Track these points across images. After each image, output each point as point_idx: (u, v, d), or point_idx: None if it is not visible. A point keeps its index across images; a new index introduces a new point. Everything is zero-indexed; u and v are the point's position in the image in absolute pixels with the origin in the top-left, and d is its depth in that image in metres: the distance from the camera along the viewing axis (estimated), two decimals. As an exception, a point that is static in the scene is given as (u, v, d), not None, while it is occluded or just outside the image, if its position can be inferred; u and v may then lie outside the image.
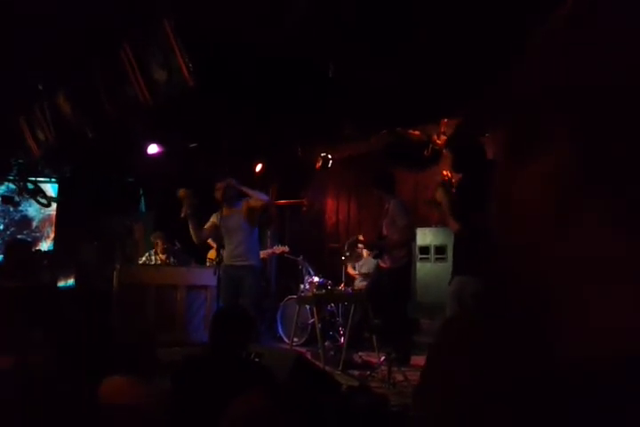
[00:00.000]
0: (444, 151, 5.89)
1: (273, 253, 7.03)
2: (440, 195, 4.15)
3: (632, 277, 0.32)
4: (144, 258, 7.19)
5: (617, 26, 0.34)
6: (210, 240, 7.25)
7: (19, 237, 8.79)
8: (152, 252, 7.18)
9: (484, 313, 0.42)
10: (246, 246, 5.44)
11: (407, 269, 5.62)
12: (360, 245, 6.25)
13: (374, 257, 5.82)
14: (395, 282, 5.39)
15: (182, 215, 5.52)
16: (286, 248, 6.89)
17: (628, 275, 0.32)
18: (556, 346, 0.34)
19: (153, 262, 7.09)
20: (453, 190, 4.16)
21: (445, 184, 4.24)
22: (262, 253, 6.21)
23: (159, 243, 7.12)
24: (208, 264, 7.15)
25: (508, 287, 0.39)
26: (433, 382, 0.44)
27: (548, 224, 0.34)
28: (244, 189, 5.48)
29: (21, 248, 6.31)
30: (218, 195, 5.48)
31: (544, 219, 0.35)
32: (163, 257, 7.11)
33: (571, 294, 0.33)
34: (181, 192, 5.53)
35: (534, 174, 0.35)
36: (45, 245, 9.03)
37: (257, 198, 5.41)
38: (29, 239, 8.85)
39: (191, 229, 5.54)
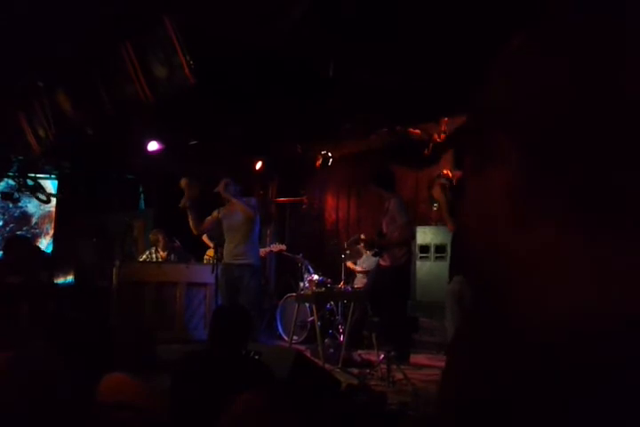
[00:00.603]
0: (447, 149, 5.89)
1: (270, 251, 7.03)
2: (437, 193, 4.14)
3: (571, 268, 0.36)
4: (145, 255, 7.17)
5: (554, 62, 0.38)
6: (206, 239, 7.24)
7: (18, 233, 8.79)
8: (153, 249, 7.15)
9: (476, 313, 0.45)
10: (246, 245, 5.43)
11: (407, 267, 5.62)
12: (361, 244, 6.25)
13: (374, 255, 5.82)
14: (394, 280, 5.39)
15: (181, 206, 5.51)
16: (284, 246, 6.89)
17: (568, 266, 0.36)
18: (519, 330, 0.38)
19: (154, 259, 7.07)
20: (450, 188, 4.16)
21: (441, 180, 4.23)
22: (260, 251, 6.22)
23: (160, 240, 7.09)
24: (205, 262, 7.15)
25: (478, 284, 0.44)
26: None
27: (505, 226, 0.39)
28: (233, 198, 5.42)
29: (21, 244, 6.31)
30: (221, 192, 5.49)
31: (500, 223, 0.39)
32: (164, 254, 7.09)
33: (525, 284, 0.38)
34: (182, 182, 5.53)
35: (490, 185, 0.40)
36: (45, 242, 9.02)
37: (242, 209, 5.37)
38: (28, 236, 8.85)
39: (190, 220, 5.53)
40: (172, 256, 7.10)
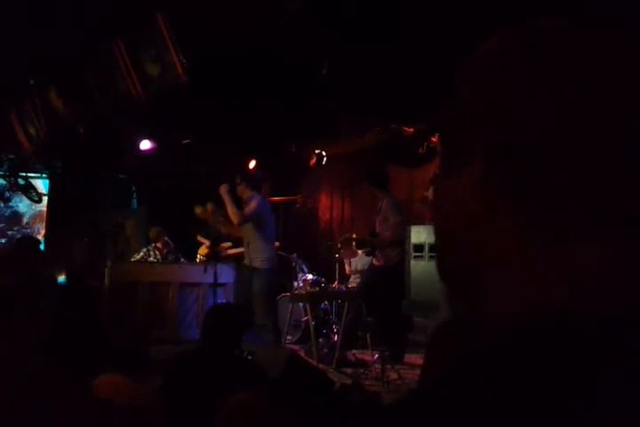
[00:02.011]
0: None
1: None
2: (432, 192, 4.14)
3: (530, 259, 0.39)
4: (142, 253, 7.08)
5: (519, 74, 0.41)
6: (201, 238, 7.21)
7: (9, 232, 8.73)
8: (151, 246, 7.07)
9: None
10: (253, 247, 5.40)
11: (400, 267, 5.61)
12: (352, 243, 6.24)
13: (367, 255, 5.81)
14: (388, 280, 5.38)
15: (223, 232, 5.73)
16: (276, 244, 6.87)
17: (527, 257, 0.39)
18: (490, 311, 0.40)
19: (152, 256, 6.98)
20: None
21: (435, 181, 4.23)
22: (240, 250, 6.25)
23: (159, 237, 7.00)
24: (198, 261, 7.11)
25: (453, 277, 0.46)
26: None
27: (474, 221, 0.42)
28: (228, 203, 5.41)
29: (27, 244, 6.25)
30: (244, 194, 5.54)
31: (470, 218, 0.42)
32: (163, 252, 7.03)
33: (491, 273, 0.41)
34: (198, 210, 5.61)
35: (461, 183, 0.42)
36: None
37: (231, 213, 5.36)
38: (19, 236, 8.78)
39: (229, 231, 5.71)
40: (170, 255, 7.04)
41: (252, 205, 5.34)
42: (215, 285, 5.66)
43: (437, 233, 0.46)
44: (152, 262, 6.85)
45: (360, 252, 6.61)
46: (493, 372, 0.35)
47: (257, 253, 5.36)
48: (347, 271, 6.85)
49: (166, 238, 7.02)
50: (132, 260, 7.07)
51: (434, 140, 6.15)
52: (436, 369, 0.42)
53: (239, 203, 5.47)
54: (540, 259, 0.38)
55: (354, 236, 5.91)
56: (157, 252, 7.01)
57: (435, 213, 0.47)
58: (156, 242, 7.01)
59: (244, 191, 5.48)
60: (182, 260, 7.03)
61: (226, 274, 6.10)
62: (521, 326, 0.36)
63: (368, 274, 5.82)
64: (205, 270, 5.69)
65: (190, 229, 7.17)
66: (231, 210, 5.27)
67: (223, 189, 5.38)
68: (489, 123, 0.41)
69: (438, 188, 0.47)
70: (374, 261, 5.55)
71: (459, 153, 0.43)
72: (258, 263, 5.32)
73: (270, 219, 5.56)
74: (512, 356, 0.35)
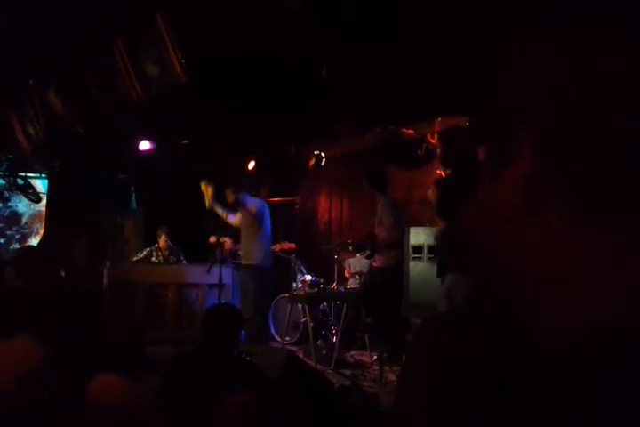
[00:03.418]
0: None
1: (281, 249, 6.99)
2: (432, 194, 4.15)
3: (588, 263, 0.36)
4: (145, 252, 7.07)
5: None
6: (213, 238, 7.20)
7: (7, 232, 8.71)
8: (154, 247, 7.06)
9: (473, 309, 0.45)
10: (249, 246, 5.47)
11: (399, 268, 5.60)
12: (350, 248, 6.24)
13: (366, 257, 5.81)
14: (386, 281, 5.38)
15: (207, 207, 5.72)
16: (293, 245, 6.90)
17: (585, 260, 0.36)
18: (535, 328, 0.37)
19: (154, 257, 6.98)
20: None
21: (439, 183, 4.24)
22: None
23: (163, 238, 7.00)
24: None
25: (489, 281, 0.44)
26: (417, 373, 0.45)
27: (521, 219, 0.40)
28: (218, 209, 5.58)
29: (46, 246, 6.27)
30: (228, 198, 5.64)
31: (516, 215, 0.40)
32: (165, 253, 7.02)
33: (539, 283, 0.38)
34: (202, 185, 5.74)
35: (508, 179, 0.41)
36: (35, 242, 8.94)
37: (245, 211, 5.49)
38: (18, 236, 8.77)
39: (222, 215, 5.67)
40: (172, 257, 7.02)
41: (253, 207, 5.51)
42: (220, 285, 5.67)
43: (475, 238, 0.44)
44: (151, 263, 6.85)
45: (358, 255, 6.61)
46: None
47: (252, 251, 5.45)
48: (347, 274, 6.84)
49: (167, 240, 7.01)
50: (135, 259, 7.06)
51: (432, 141, 6.15)
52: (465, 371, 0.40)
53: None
54: (599, 264, 0.36)
55: (349, 241, 5.94)
56: (160, 252, 7.01)
57: (479, 215, 0.45)
58: (158, 243, 7.01)
59: (236, 196, 5.66)
60: (184, 261, 7.02)
61: (226, 275, 6.10)
62: (581, 339, 0.34)
63: (367, 275, 5.82)
64: (209, 271, 5.70)
65: (201, 232, 7.12)
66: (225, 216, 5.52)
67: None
68: (540, 112, 0.39)
69: (481, 190, 0.45)
70: (373, 263, 5.55)
71: (507, 148, 0.41)
72: (252, 261, 5.42)
73: (268, 219, 5.68)
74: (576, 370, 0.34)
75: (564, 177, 0.38)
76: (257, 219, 5.53)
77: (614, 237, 0.36)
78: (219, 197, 5.87)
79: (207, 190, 5.73)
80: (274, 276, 7.04)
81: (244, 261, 5.46)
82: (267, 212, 5.72)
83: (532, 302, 0.38)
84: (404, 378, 0.48)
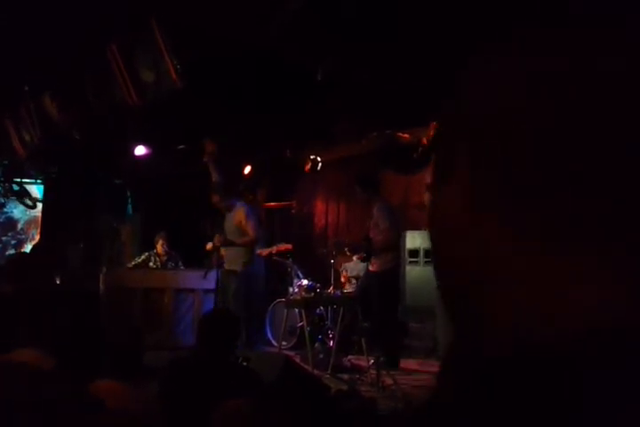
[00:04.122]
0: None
1: (277, 250, 6.99)
2: (426, 198, 4.16)
3: (526, 280, 0.36)
4: (144, 256, 7.05)
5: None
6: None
7: (3, 238, 8.69)
8: (153, 252, 7.06)
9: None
10: (234, 250, 5.47)
11: (395, 272, 5.61)
12: (345, 249, 6.25)
13: (362, 261, 5.82)
14: (383, 285, 5.38)
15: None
16: (290, 246, 6.88)
17: (523, 277, 0.36)
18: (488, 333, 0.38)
19: (152, 262, 6.97)
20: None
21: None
22: (264, 251, 6.41)
23: (160, 244, 7.00)
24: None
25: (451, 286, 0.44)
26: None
27: (464, 233, 0.40)
28: (233, 243, 5.64)
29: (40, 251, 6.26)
30: (215, 200, 5.62)
31: (460, 230, 0.40)
32: (164, 259, 7.01)
33: (482, 296, 0.38)
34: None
35: (449, 194, 0.41)
36: (30, 248, 8.92)
37: (245, 244, 5.58)
38: (13, 242, 8.75)
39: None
40: (170, 263, 7.01)
41: (250, 222, 5.53)
42: (217, 290, 5.67)
43: (431, 248, 0.45)
44: (147, 268, 6.84)
45: (355, 257, 6.62)
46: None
47: (237, 256, 5.48)
48: (343, 279, 6.84)
49: (164, 245, 7.00)
50: (133, 264, 7.05)
51: (424, 143, 6.17)
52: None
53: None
54: (528, 277, 0.36)
55: (346, 240, 5.93)
56: (158, 258, 7.00)
57: (428, 226, 0.46)
58: (156, 248, 7.01)
59: (226, 202, 5.68)
60: (182, 267, 7.00)
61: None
62: (519, 361, 0.35)
63: (364, 279, 5.82)
64: (205, 276, 5.70)
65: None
66: (243, 242, 5.60)
67: (217, 243, 5.60)
68: (474, 126, 0.39)
69: (430, 199, 0.46)
70: (370, 267, 5.55)
71: (448, 161, 0.41)
72: (237, 266, 5.44)
73: (253, 222, 5.74)
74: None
75: (502, 192, 0.37)
76: (240, 223, 5.57)
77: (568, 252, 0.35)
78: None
79: (209, 147, 5.71)
80: (265, 281, 7.07)
81: (228, 267, 5.48)
82: (253, 216, 5.75)
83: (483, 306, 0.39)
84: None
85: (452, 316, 0.43)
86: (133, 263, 7.06)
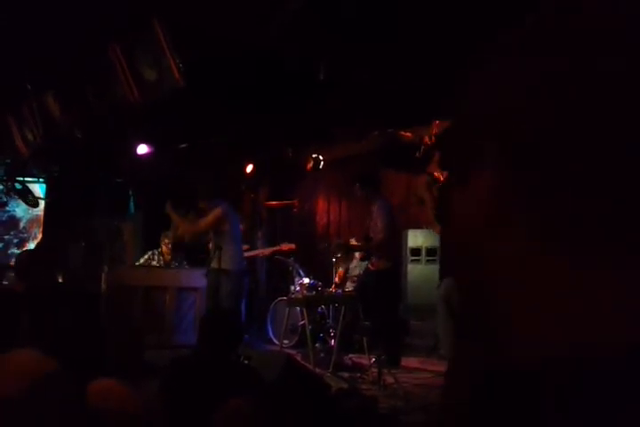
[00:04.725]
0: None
1: (280, 249, 7.00)
2: (422, 190, 4.17)
3: (554, 285, 0.35)
4: (147, 256, 7.06)
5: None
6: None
7: (5, 237, 8.71)
8: (157, 251, 7.06)
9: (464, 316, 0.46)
10: (226, 249, 5.48)
11: (395, 271, 5.60)
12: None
13: (362, 260, 5.82)
14: (382, 284, 5.37)
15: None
16: (293, 245, 6.89)
17: (551, 281, 0.35)
18: (505, 345, 0.37)
19: (155, 261, 6.97)
20: (437, 188, 4.18)
21: (430, 184, 4.25)
22: (268, 251, 6.47)
23: (166, 242, 6.99)
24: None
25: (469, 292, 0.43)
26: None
27: (482, 232, 0.39)
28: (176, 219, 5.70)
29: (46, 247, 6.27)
30: (202, 204, 5.63)
31: (478, 228, 0.39)
32: (168, 258, 7.01)
33: (501, 294, 0.37)
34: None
35: (471, 193, 0.40)
36: (33, 246, 8.94)
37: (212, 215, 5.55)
38: (16, 240, 8.77)
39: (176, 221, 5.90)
40: (174, 262, 7.00)
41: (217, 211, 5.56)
42: (209, 289, 5.68)
43: (452, 244, 0.44)
44: (149, 267, 6.84)
45: (357, 255, 6.61)
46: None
47: (229, 255, 5.47)
48: (337, 279, 6.84)
49: (169, 244, 6.99)
50: (138, 264, 7.05)
51: (429, 143, 6.16)
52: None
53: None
54: (558, 273, 0.35)
55: (352, 241, 5.92)
56: (162, 257, 7.00)
57: (447, 225, 0.44)
58: (161, 247, 7.01)
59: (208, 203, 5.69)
60: (186, 266, 7.00)
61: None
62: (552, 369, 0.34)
63: (362, 277, 5.83)
64: (206, 276, 5.70)
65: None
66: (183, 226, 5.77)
67: (169, 208, 5.69)
68: (510, 121, 0.38)
69: (449, 199, 0.44)
70: (369, 266, 5.55)
71: (474, 157, 0.41)
72: (229, 266, 5.42)
73: (236, 220, 5.72)
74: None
75: (533, 191, 0.37)
76: (228, 223, 5.57)
77: (589, 259, 0.35)
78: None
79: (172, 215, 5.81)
80: (267, 279, 7.05)
81: (217, 266, 5.48)
82: (233, 215, 5.75)
83: (502, 316, 0.38)
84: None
85: (466, 317, 0.43)
86: (138, 264, 7.06)
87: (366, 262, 5.80)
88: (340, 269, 6.84)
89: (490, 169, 0.39)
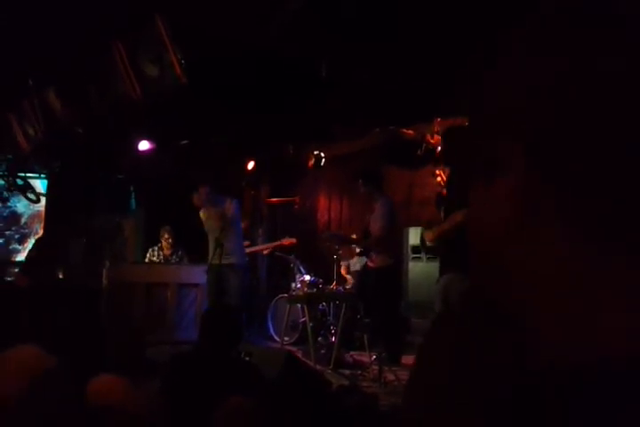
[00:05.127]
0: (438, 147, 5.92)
1: (281, 244, 7.01)
2: (429, 235, 4.22)
3: (585, 288, 0.34)
4: (148, 253, 7.07)
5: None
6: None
7: (7, 232, 8.72)
8: (156, 247, 7.06)
9: (469, 312, 0.44)
10: (229, 245, 5.50)
11: (395, 268, 5.59)
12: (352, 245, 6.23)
13: (359, 255, 5.82)
14: (381, 281, 5.36)
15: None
16: (294, 240, 6.90)
17: (584, 285, 0.35)
18: (533, 349, 0.36)
19: (155, 257, 6.98)
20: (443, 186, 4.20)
21: (441, 186, 4.27)
22: (269, 246, 6.44)
23: (166, 237, 7.00)
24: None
25: (485, 288, 0.42)
26: (420, 382, 0.45)
27: (507, 237, 0.38)
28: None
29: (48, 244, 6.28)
30: (197, 199, 5.65)
31: (503, 232, 0.39)
32: (168, 253, 7.01)
33: (526, 296, 0.37)
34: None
35: (496, 194, 0.39)
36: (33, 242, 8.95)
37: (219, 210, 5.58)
38: (17, 236, 8.78)
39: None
40: (174, 257, 7.01)
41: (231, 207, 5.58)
42: (209, 283, 5.69)
43: (470, 246, 0.43)
44: (150, 263, 6.85)
45: (357, 250, 6.61)
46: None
47: (234, 250, 5.50)
48: (343, 272, 6.85)
49: (170, 239, 7.00)
50: (141, 261, 7.06)
51: (432, 141, 6.16)
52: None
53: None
54: (591, 275, 0.34)
55: (353, 236, 5.92)
56: (162, 252, 7.01)
57: (469, 226, 0.44)
58: (161, 242, 7.02)
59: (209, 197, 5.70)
60: (186, 262, 7.01)
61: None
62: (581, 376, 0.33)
63: (360, 275, 5.83)
64: (207, 272, 5.71)
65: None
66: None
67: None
68: (532, 117, 0.37)
69: (472, 199, 0.43)
70: (369, 263, 5.55)
71: (497, 156, 0.40)
72: (235, 260, 5.45)
73: (240, 217, 5.79)
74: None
75: (559, 193, 0.36)
76: (232, 217, 5.59)
77: (617, 258, 0.34)
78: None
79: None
80: (267, 276, 7.04)
81: (225, 261, 5.49)
82: (238, 209, 5.79)
83: (519, 316, 0.37)
84: (410, 384, 0.46)
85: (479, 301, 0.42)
86: (142, 261, 7.08)
87: (366, 258, 5.80)
88: (343, 266, 6.85)
89: (515, 170, 0.38)
